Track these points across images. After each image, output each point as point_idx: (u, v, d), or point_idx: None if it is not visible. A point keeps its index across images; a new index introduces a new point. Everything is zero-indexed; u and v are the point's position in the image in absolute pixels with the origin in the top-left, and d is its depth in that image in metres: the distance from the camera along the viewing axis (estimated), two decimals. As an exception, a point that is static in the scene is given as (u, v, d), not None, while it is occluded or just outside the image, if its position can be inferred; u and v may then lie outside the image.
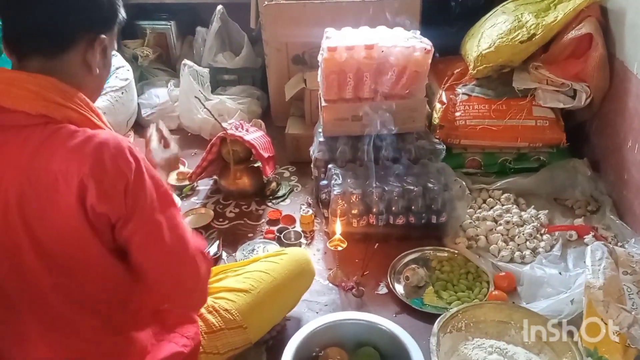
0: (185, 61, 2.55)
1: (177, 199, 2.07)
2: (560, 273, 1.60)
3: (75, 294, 0.99)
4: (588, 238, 1.76)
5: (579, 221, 1.88)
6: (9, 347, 1.02)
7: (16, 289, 0.98)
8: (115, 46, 1.08)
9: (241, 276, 1.39)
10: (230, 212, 2.09)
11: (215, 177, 2.24)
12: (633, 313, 1.16)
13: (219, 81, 2.84)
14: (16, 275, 0.97)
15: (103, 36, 1.00)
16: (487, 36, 2.18)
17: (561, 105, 2.06)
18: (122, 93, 2.49)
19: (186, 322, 1.18)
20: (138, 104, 2.68)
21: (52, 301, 0.98)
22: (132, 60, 2.86)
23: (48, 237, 0.93)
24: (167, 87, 2.73)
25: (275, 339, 1.49)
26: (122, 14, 1.05)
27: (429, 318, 1.51)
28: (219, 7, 2.76)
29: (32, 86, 0.92)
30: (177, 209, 1.02)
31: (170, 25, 2.98)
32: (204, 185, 2.24)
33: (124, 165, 0.90)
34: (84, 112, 0.96)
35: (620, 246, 1.68)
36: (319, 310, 1.62)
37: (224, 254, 1.85)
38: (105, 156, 0.89)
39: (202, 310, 1.25)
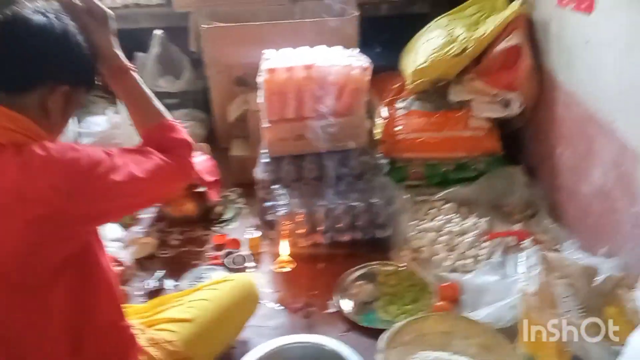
0: (125, 87, 2.50)
1: (118, 230, 2.02)
2: (500, 280, 1.64)
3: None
4: (526, 243, 1.81)
5: (518, 226, 1.93)
6: None
7: None
8: (82, 105, 1.10)
9: (184, 306, 1.37)
10: (175, 239, 2.05)
11: (158, 204, 2.19)
12: (567, 317, 1.19)
13: (161, 105, 2.79)
14: None
15: (66, 87, 1.01)
16: (422, 51, 2.24)
17: (495, 115, 2.13)
18: (60, 123, 2.42)
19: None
20: (78, 133, 2.61)
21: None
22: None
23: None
24: (105, 114, 2.67)
25: (223, 367, 1.47)
26: (94, 77, 1.10)
27: (378, 334, 1.50)
28: (158, 31, 2.73)
29: None
30: (106, 158, 1.00)
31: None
32: (147, 213, 2.19)
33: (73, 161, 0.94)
34: (30, 136, 0.96)
35: (557, 249, 1.74)
36: (268, 335, 1.59)
37: (170, 283, 1.81)
38: (56, 161, 0.93)
39: (144, 342, 1.21)
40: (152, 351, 1.22)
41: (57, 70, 1.01)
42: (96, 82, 1.11)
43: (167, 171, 1.10)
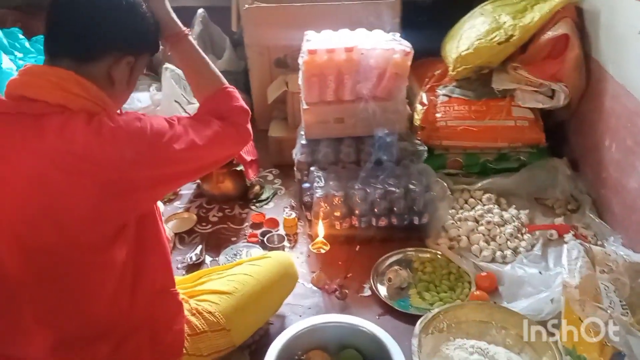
0: (167, 65, 2.54)
1: (160, 204, 2.06)
2: (540, 272, 1.62)
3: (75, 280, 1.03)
4: (568, 237, 1.79)
5: (559, 220, 1.90)
6: (7, 341, 1.03)
7: (18, 276, 0.99)
8: (144, 70, 1.15)
9: (225, 279, 1.40)
10: (214, 216, 2.09)
11: (198, 181, 2.23)
12: (609, 311, 1.17)
13: (201, 84, 2.82)
14: (21, 259, 0.98)
15: (131, 58, 1.06)
16: (466, 38, 2.20)
17: (540, 106, 2.09)
18: (104, 98, 2.47)
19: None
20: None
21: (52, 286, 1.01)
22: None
23: (69, 217, 0.97)
24: (149, 91, 2.71)
25: (258, 343, 1.49)
26: (159, 44, 1.15)
27: (412, 319, 1.51)
28: (200, 10, 2.76)
29: (53, 78, 0.97)
30: (168, 127, 1.05)
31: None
32: (187, 189, 2.24)
33: (138, 131, 0.99)
34: (100, 104, 1.01)
35: (600, 245, 1.71)
36: (302, 314, 1.62)
37: (207, 258, 1.84)
38: (123, 132, 0.97)
39: (185, 312, 1.25)
40: (194, 320, 1.25)
41: (124, 41, 1.05)
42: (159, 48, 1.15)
43: (226, 138, 1.15)
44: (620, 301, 1.26)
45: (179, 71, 2.56)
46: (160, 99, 2.60)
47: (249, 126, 1.22)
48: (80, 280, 1.03)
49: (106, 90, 1.03)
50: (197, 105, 2.53)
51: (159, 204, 2.04)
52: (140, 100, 2.69)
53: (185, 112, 2.27)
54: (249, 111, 1.23)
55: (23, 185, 0.95)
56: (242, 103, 1.22)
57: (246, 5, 2.41)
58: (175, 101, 2.40)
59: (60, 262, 1.00)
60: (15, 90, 0.99)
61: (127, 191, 1.00)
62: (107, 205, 0.98)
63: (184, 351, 1.20)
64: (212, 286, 1.36)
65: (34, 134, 0.95)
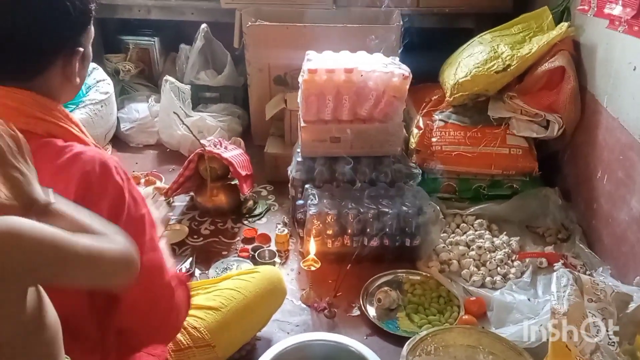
0: (167, 77, 2.56)
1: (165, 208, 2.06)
2: (529, 299, 1.63)
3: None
4: (558, 266, 1.79)
5: (549, 249, 1.92)
6: None
7: None
8: (90, 51, 1.03)
9: (212, 294, 1.39)
10: (206, 229, 2.08)
11: (191, 193, 2.23)
12: (595, 340, 1.18)
13: (200, 98, 2.85)
14: None
15: (80, 49, 0.97)
16: (464, 65, 2.24)
17: (534, 135, 2.12)
18: (102, 106, 2.48)
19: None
20: (117, 118, 2.67)
21: None
22: (114, 74, 2.86)
23: None
24: (147, 102, 2.73)
25: (245, 359, 1.48)
26: (90, 16, 0.98)
27: (400, 341, 1.50)
28: (203, 25, 2.79)
29: (11, 102, 0.90)
30: (156, 235, 0.99)
31: (154, 41, 2.99)
32: (180, 201, 2.23)
33: (110, 185, 0.89)
34: (64, 125, 0.95)
35: (588, 274, 1.71)
36: (290, 331, 1.61)
37: (197, 272, 1.84)
38: (92, 176, 0.87)
39: None
40: (178, 336, 1.23)
41: (68, 38, 0.95)
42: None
43: (178, 286, 1.04)
44: (607, 331, 1.26)
45: (179, 84, 2.59)
46: (159, 111, 2.62)
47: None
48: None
49: (65, 90, 0.98)
50: (195, 117, 2.54)
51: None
52: (138, 111, 2.71)
53: (183, 123, 2.28)
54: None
55: None
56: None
57: (249, 23, 2.45)
58: (174, 112, 2.42)
59: None
60: None
61: None
62: None
63: None
64: (199, 301, 1.35)
65: None
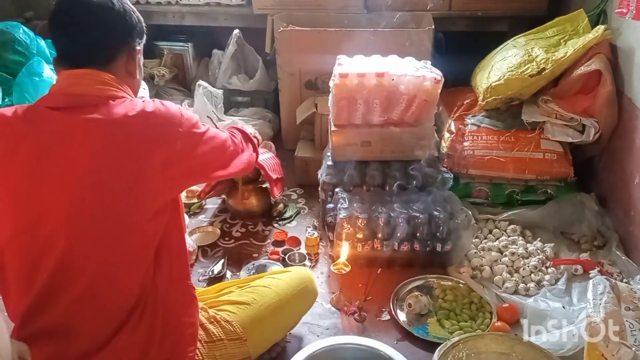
0: (200, 82, 2.60)
1: (185, 217, 2.10)
2: (564, 307, 1.60)
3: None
4: (593, 273, 1.76)
5: (584, 256, 1.87)
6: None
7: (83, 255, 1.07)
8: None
9: (244, 290, 1.42)
10: (237, 231, 2.11)
11: (223, 196, 2.26)
12: (633, 349, 1.15)
13: (232, 102, 2.89)
14: (79, 225, 1.06)
15: (139, 47, 1.20)
16: (497, 69, 2.21)
17: (570, 140, 2.07)
18: (137, 111, 2.54)
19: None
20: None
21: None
22: (149, 79, 2.92)
23: (121, 185, 1.07)
24: (181, 106, 2.77)
25: (275, 360, 1.49)
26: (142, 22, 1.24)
27: (430, 346, 1.50)
28: (236, 31, 2.83)
29: (95, 77, 1.11)
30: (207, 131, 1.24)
31: (188, 46, 3.05)
32: (212, 204, 2.27)
33: (183, 117, 1.15)
34: (132, 95, 1.18)
35: (626, 282, 1.67)
36: (320, 334, 1.62)
37: (228, 273, 1.86)
38: (168, 110, 1.13)
39: (203, 319, 1.28)
40: (211, 328, 1.28)
41: (130, 38, 1.18)
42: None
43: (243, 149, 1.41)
44: (647, 340, 1.23)
45: (211, 88, 2.63)
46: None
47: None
48: (125, 249, 1.09)
49: (129, 84, 1.18)
50: (227, 121, 2.58)
51: (185, 216, 2.08)
52: (172, 114, 2.76)
53: (216, 127, 2.31)
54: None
55: (87, 159, 1.05)
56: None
57: (281, 28, 2.47)
58: (207, 117, 2.46)
59: (112, 229, 1.07)
60: (63, 91, 1.11)
61: (172, 161, 1.11)
62: (149, 178, 1.08)
63: (199, 356, 1.21)
64: (232, 297, 1.39)
65: (92, 116, 1.06)
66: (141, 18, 1.22)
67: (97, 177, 1.05)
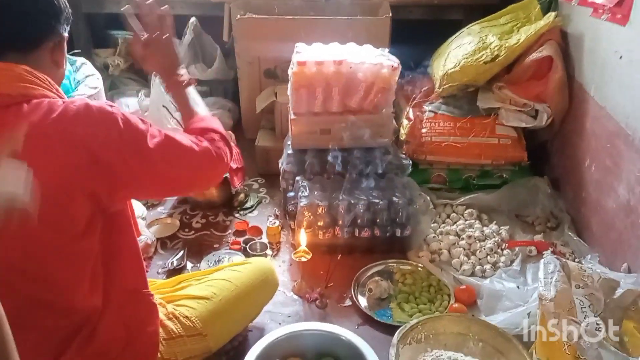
0: (157, 71, 2.55)
1: (142, 209, 2.06)
2: (518, 287, 1.64)
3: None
4: (547, 254, 1.81)
5: (538, 237, 1.93)
6: None
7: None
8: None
9: (203, 284, 1.40)
10: (197, 222, 2.09)
11: (183, 187, 2.23)
12: (582, 325, 1.19)
13: (190, 92, 2.84)
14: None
15: (65, 34, 1.11)
16: (453, 56, 2.24)
17: (523, 125, 2.13)
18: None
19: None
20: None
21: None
22: (103, 69, 2.84)
23: (43, 197, 0.96)
24: (137, 96, 2.72)
25: (237, 349, 1.49)
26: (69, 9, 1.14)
27: (391, 330, 1.52)
28: (192, 19, 2.78)
29: (9, 72, 1.00)
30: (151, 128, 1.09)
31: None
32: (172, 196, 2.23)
33: (111, 113, 1.03)
34: (55, 92, 1.05)
35: (577, 262, 1.73)
36: (282, 322, 1.62)
37: (189, 265, 1.84)
38: (95, 110, 1.01)
39: (162, 316, 1.25)
40: (170, 324, 1.25)
41: (57, 23, 1.08)
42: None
43: (202, 152, 1.16)
44: (595, 316, 1.28)
45: (169, 78, 2.57)
46: (148, 105, 2.61)
47: (227, 151, 1.23)
48: (55, 269, 1.02)
49: (53, 75, 1.08)
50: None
51: (143, 208, 2.04)
52: (128, 105, 2.70)
53: (174, 117, 2.28)
54: (229, 141, 1.27)
55: None
56: (225, 135, 1.27)
57: (238, 16, 2.44)
58: (164, 106, 2.41)
59: (37, 248, 1.00)
60: None
61: (98, 174, 1.00)
62: (78, 185, 0.99)
63: (159, 355, 1.19)
64: (191, 291, 1.36)
65: (3, 123, 0.97)
66: (67, 3, 1.12)
67: None
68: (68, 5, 1.12)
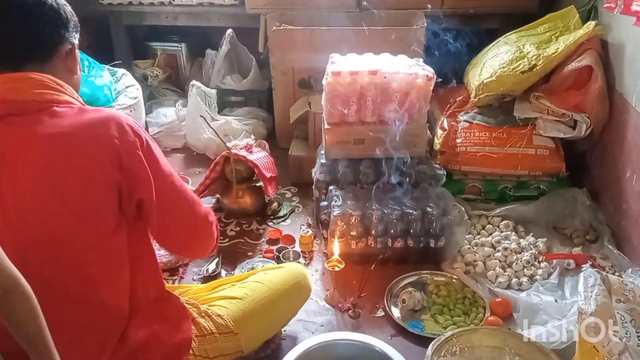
0: (194, 82, 2.61)
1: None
2: (556, 301, 1.61)
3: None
4: (585, 267, 1.76)
5: (577, 250, 1.89)
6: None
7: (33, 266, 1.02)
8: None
9: (237, 286, 1.42)
10: (231, 230, 2.11)
11: (217, 195, 2.27)
12: (624, 340, 1.16)
13: (226, 102, 2.90)
14: (36, 246, 1.03)
15: (76, 42, 1.15)
16: (489, 66, 2.22)
17: (561, 135, 2.09)
18: (131, 111, 2.53)
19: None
20: (146, 122, 2.73)
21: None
22: (142, 79, 2.92)
23: (73, 196, 1.03)
24: (175, 106, 2.78)
25: (270, 358, 1.50)
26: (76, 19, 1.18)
27: (424, 342, 1.50)
28: (229, 30, 2.84)
29: (34, 81, 1.05)
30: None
31: (181, 47, 3.05)
32: (206, 203, 2.26)
33: (137, 129, 1.10)
34: (75, 98, 1.11)
35: (617, 276, 1.68)
36: (315, 331, 1.62)
37: (223, 272, 1.86)
38: (124, 121, 1.08)
39: (195, 315, 1.28)
40: (202, 322, 1.28)
41: (66, 32, 1.12)
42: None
43: (206, 214, 1.26)
44: (637, 331, 1.24)
45: (205, 88, 2.63)
46: (185, 115, 2.67)
47: (216, 238, 1.32)
48: (88, 264, 1.07)
49: (69, 81, 1.12)
50: (221, 121, 2.59)
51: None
52: (166, 115, 2.77)
53: (210, 127, 2.32)
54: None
55: (33, 172, 1.01)
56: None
57: (274, 27, 2.48)
58: (201, 116, 2.46)
59: (71, 242, 1.05)
60: (1, 97, 1.04)
61: (120, 174, 1.05)
62: (104, 180, 1.04)
63: (191, 352, 1.22)
64: (224, 292, 1.39)
65: (33, 127, 1.02)
66: (73, 12, 1.16)
67: (41, 197, 1.01)
68: (74, 14, 1.17)
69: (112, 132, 1.05)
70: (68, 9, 1.14)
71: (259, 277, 1.44)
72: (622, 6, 1.80)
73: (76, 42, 1.16)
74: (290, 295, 1.46)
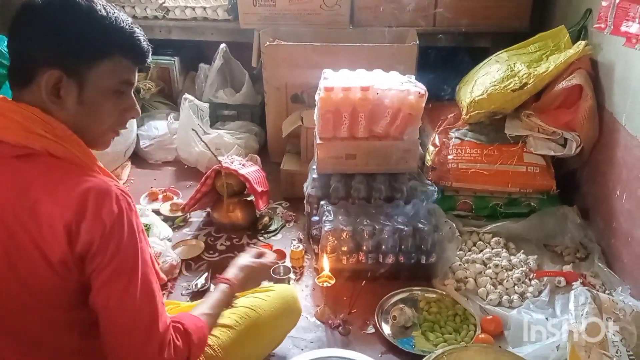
0: (186, 95, 2.60)
1: (168, 230, 2.09)
2: (547, 318, 1.60)
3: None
4: (576, 285, 1.77)
5: (567, 268, 1.89)
6: None
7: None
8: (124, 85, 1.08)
9: (226, 312, 1.38)
10: (222, 244, 2.10)
11: (208, 209, 2.25)
12: (615, 359, 1.15)
13: (218, 116, 2.90)
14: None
15: (58, 71, 0.94)
16: (480, 84, 2.24)
17: (552, 153, 2.10)
18: (122, 124, 2.53)
19: None
20: (137, 135, 2.72)
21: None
22: (135, 92, 2.90)
23: (29, 273, 0.94)
24: (167, 120, 2.77)
25: (259, 374, 1.47)
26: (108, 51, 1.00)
27: (415, 359, 1.50)
28: (222, 45, 2.85)
29: (17, 116, 0.95)
30: (154, 277, 1.00)
31: (174, 60, 3.05)
32: (197, 217, 2.26)
33: (104, 213, 0.92)
34: (63, 144, 0.96)
35: (608, 294, 1.68)
36: (304, 347, 1.60)
37: (212, 287, 1.84)
38: (89, 203, 0.91)
39: None
40: None
41: (50, 56, 0.95)
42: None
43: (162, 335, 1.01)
44: (627, 351, 1.24)
45: (197, 102, 2.63)
46: (177, 128, 2.66)
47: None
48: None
49: (63, 113, 0.97)
50: (213, 135, 2.58)
51: (169, 230, 2.07)
52: (157, 128, 2.76)
53: (202, 140, 2.32)
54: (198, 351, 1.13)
55: None
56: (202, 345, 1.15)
57: (267, 43, 2.49)
58: (192, 129, 2.45)
59: (26, 318, 0.99)
60: None
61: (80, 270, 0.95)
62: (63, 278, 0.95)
63: None
64: None
65: (4, 181, 0.93)
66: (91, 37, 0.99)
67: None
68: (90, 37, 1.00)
69: (68, 214, 0.91)
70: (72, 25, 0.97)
71: (249, 302, 1.39)
72: (612, 27, 1.83)
73: (83, 72, 0.98)
74: (281, 321, 1.44)
